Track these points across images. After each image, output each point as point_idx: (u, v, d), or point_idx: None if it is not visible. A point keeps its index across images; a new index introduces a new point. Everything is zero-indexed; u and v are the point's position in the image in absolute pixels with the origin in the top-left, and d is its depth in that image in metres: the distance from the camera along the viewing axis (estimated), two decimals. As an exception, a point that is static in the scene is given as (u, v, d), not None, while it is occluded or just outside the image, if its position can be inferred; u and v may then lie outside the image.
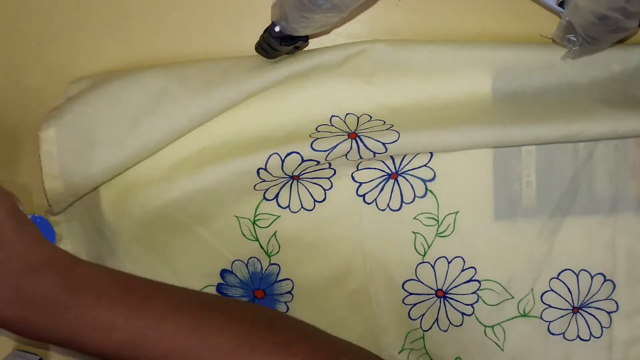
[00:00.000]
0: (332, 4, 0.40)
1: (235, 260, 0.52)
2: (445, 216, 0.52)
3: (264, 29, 0.47)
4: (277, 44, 0.46)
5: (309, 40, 0.48)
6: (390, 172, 0.51)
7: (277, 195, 0.51)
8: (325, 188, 0.51)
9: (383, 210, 0.52)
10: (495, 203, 0.52)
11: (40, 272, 0.41)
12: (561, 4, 0.48)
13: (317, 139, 0.48)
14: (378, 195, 0.51)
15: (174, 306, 0.42)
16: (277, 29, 0.45)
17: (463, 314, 0.53)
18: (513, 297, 0.53)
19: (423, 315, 0.53)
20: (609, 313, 0.53)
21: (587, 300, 0.53)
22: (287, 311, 0.53)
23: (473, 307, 0.53)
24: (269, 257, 0.52)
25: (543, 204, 0.52)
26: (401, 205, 0.51)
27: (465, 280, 0.52)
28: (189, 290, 0.46)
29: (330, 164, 0.50)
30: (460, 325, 0.53)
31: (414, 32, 0.52)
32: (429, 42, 0.50)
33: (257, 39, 0.48)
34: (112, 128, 0.49)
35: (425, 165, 0.51)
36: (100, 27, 0.54)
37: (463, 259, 0.52)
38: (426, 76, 0.51)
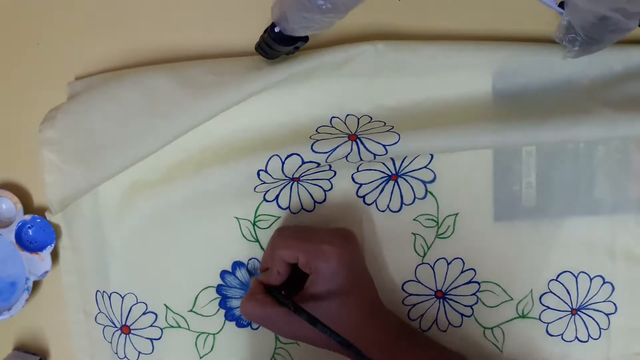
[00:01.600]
0: (332, 4, 0.40)
1: (235, 262, 0.52)
2: (445, 218, 0.52)
3: (264, 29, 0.47)
4: (277, 44, 0.46)
5: (309, 41, 0.48)
6: (390, 174, 0.51)
7: (277, 197, 0.51)
8: (326, 189, 0.51)
9: (383, 211, 0.52)
10: (495, 204, 0.52)
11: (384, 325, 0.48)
12: (561, 5, 0.48)
13: (318, 140, 0.48)
14: (378, 197, 0.51)
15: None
16: (277, 29, 0.45)
17: (462, 315, 0.53)
18: (512, 299, 0.53)
19: (422, 315, 0.53)
20: (607, 315, 0.53)
21: (586, 302, 0.53)
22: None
23: (472, 309, 0.53)
24: (270, 258, 0.52)
25: (543, 205, 0.52)
26: (401, 207, 0.51)
27: (464, 282, 0.52)
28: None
29: (330, 166, 0.50)
30: (460, 326, 0.53)
31: (414, 32, 0.52)
32: (429, 43, 0.50)
33: (257, 39, 0.47)
34: (112, 128, 0.49)
35: (425, 167, 0.51)
36: (100, 27, 0.53)
37: (462, 261, 0.52)
38: (426, 77, 0.51)
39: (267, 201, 0.51)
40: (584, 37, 0.45)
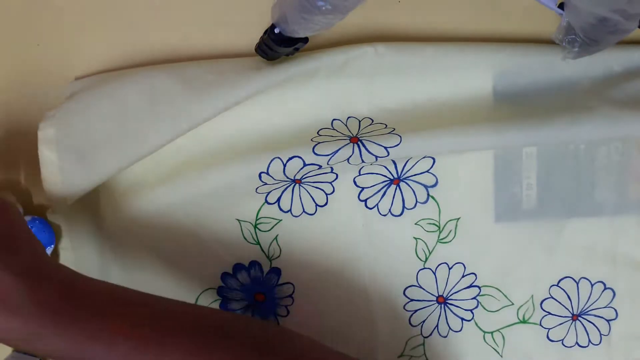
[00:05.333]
0: (332, 5, 0.40)
1: (236, 264, 0.52)
2: (447, 222, 0.51)
3: (264, 31, 0.47)
4: (277, 45, 0.46)
5: (309, 42, 0.48)
6: (392, 178, 0.51)
7: (278, 199, 0.51)
8: (327, 192, 0.51)
9: (384, 215, 0.51)
10: (495, 205, 0.51)
11: (46, 282, 0.39)
12: (561, 6, 0.48)
13: (319, 143, 0.48)
14: (380, 201, 0.51)
15: (179, 326, 0.41)
16: (276, 30, 0.45)
17: (462, 319, 0.53)
18: (513, 304, 0.52)
19: (423, 322, 0.53)
20: (608, 321, 0.53)
21: (587, 308, 0.52)
22: (287, 315, 0.53)
23: (472, 313, 0.53)
24: (270, 261, 0.52)
25: (543, 206, 0.51)
26: (403, 211, 0.51)
27: (465, 286, 0.52)
28: (196, 310, 0.45)
29: (332, 169, 0.50)
30: (460, 330, 0.53)
31: (413, 33, 0.52)
32: (430, 44, 0.50)
33: (257, 40, 0.47)
34: (112, 128, 0.49)
35: (427, 171, 0.51)
36: (100, 27, 0.53)
37: (464, 265, 0.52)
38: (427, 78, 0.50)
39: (269, 203, 0.51)
40: (584, 38, 0.44)
